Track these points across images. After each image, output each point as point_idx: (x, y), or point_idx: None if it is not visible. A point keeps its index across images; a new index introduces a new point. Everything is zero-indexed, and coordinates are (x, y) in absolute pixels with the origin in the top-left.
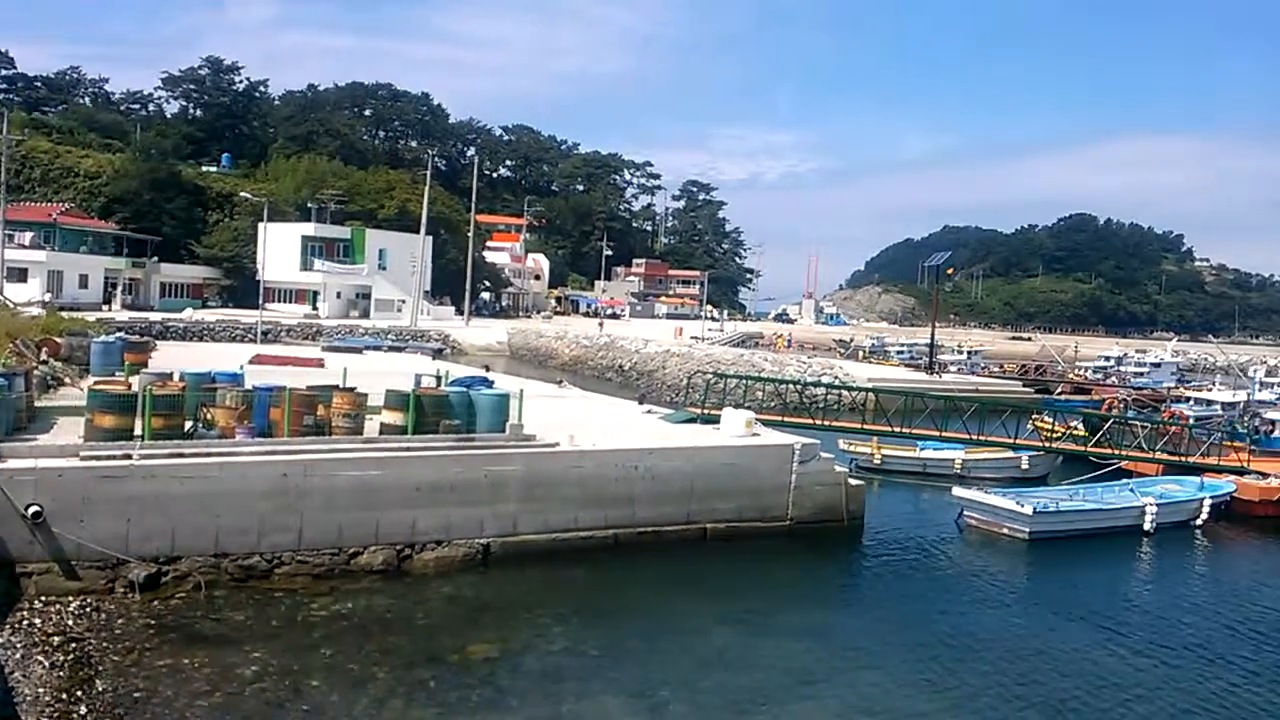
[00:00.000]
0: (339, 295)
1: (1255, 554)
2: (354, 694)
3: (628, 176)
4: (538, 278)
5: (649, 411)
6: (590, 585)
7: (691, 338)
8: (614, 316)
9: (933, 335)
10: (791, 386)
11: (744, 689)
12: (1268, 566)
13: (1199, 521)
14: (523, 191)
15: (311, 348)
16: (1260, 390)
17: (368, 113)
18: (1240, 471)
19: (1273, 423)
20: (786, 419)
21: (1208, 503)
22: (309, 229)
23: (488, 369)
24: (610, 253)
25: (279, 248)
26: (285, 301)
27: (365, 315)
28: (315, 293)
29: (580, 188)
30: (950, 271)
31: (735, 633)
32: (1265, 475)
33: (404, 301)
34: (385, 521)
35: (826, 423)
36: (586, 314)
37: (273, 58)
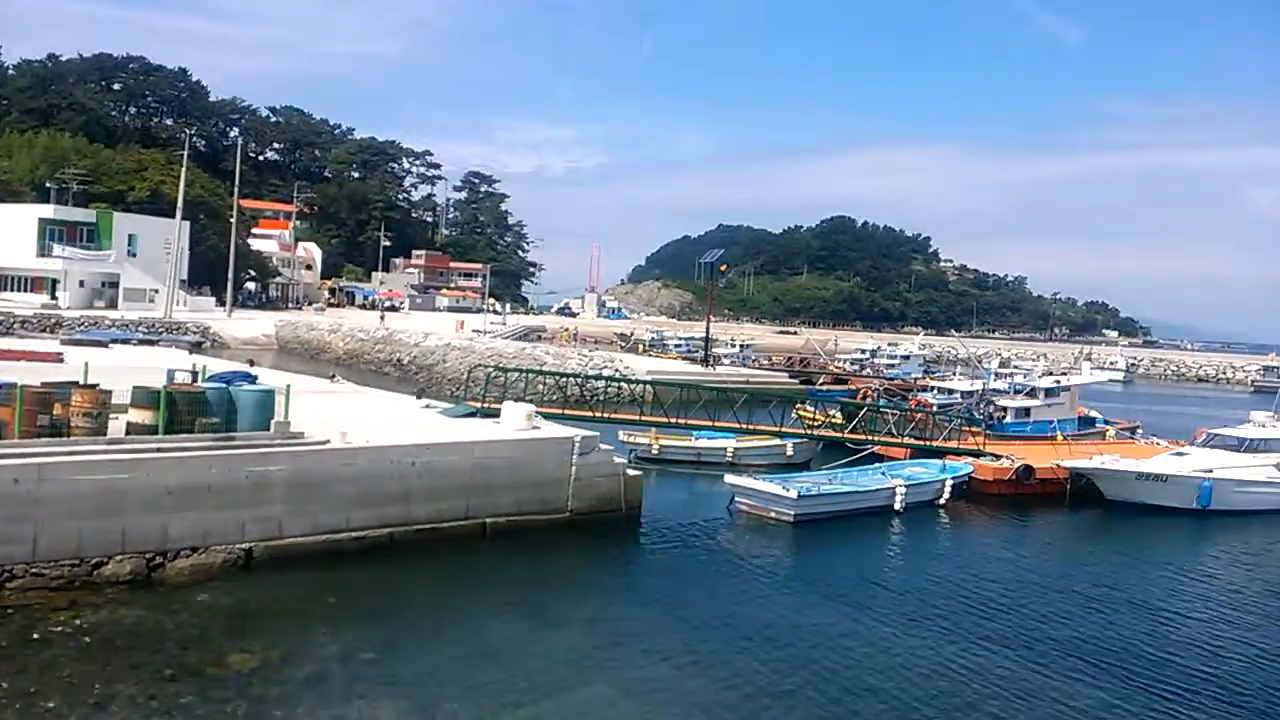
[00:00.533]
0: (82, 284)
1: (988, 528)
2: (96, 714)
3: (406, 165)
4: (309, 267)
5: (428, 406)
6: (363, 587)
7: (473, 331)
8: (393, 309)
9: (708, 329)
10: (573, 380)
11: (520, 681)
12: (997, 540)
13: (942, 500)
14: (293, 176)
15: (49, 341)
16: (994, 380)
17: (117, 87)
18: (977, 454)
19: (1004, 409)
20: (567, 412)
21: (949, 483)
22: (47, 211)
23: (252, 363)
24: (388, 243)
25: (12, 231)
26: (19, 290)
27: (113, 305)
28: (54, 281)
29: (356, 175)
30: (723, 268)
31: (514, 626)
32: (998, 457)
33: (157, 291)
34: (133, 528)
35: (607, 415)
36: (363, 306)
37: (4, 22)
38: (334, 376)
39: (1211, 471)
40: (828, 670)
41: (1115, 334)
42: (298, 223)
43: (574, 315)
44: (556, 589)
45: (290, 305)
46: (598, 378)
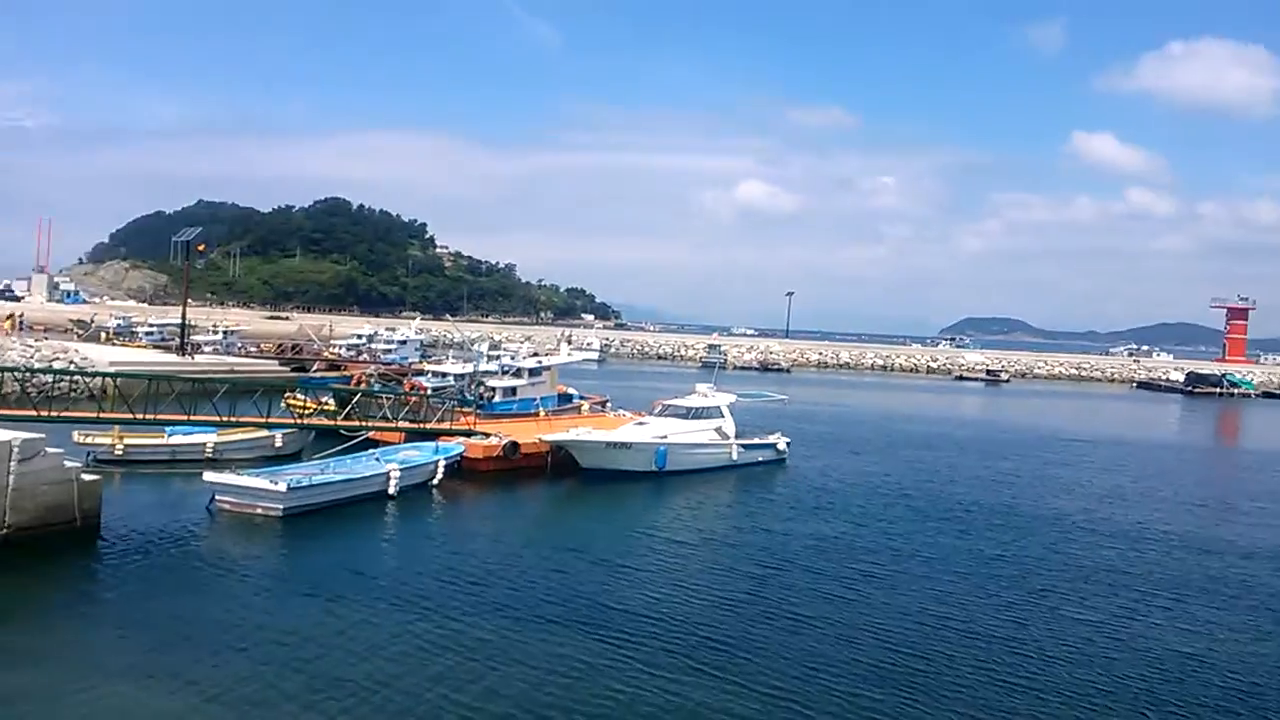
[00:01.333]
0: None
1: (478, 505)
2: None
3: None
4: None
5: None
6: None
7: None
8: None
9: (184, 314)
10: (11, 375)
11: None
12: (484, 516)
13: (436, 481)
14: None
15: None
16: (485, 362)
17: None
18: (468, 434)
19: (494, 389)
20: (3, 412)
21: (442, 464)
22: None
23: None
24: None
25: None
26: None
27: None
28: None
29: None
30: (202, 248)
31: None
32: (487, 435)
33: None
34: None
35: (57, 414)
36: None
37: None
38: None
39: (666, 438)
40: (314, 666)
41: (592, 317)
42: None
43: (17, 299)
44: None
45: None
46: (46, 371)
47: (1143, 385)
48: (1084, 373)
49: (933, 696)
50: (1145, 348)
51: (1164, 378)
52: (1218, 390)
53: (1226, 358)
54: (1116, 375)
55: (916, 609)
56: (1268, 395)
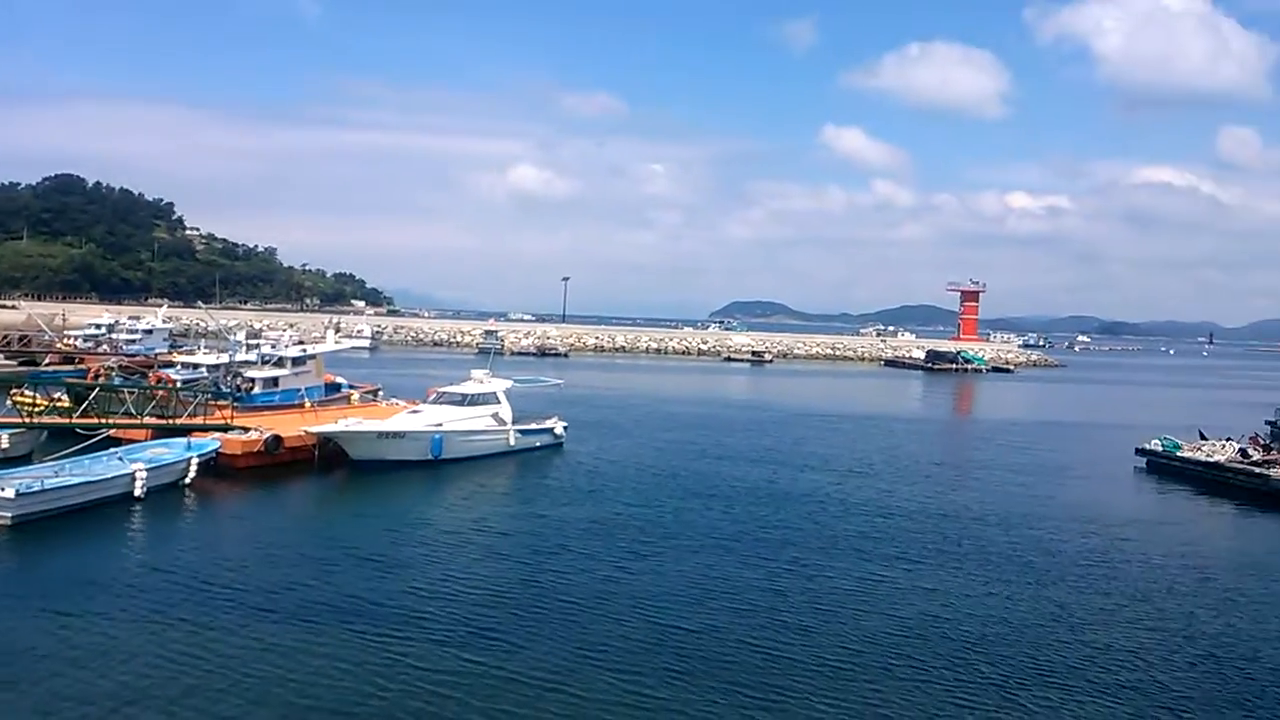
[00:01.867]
0: None
1: (235, 504)
2: None
3: None
4: None
5: None
6: None
7: None
8: None
9: None
10: None
11: None
12: (242, 516)
13: (188, 480)
14: None
15: None
16: (244, 352)
17: None
18: (224, 428)
19: (253, 380)
20: None
21: (195, 461)
22: None
23: None
24: None
25: None
26: None
27: None
28: None
29: None
30: None
31: None
32: (246, 429)
33: None
34: None
35: None
36: None
37: None
38: None
39: (441, 425)
40: (40, 688)
41: (363, 304)
42: None
43: None
44: None
45: None
46: None
47: (890, 363)
48: (838, 352)
49: (698, 675)
50: (891, 328)
51: (907, 356)
52: (954, 366)
53: (961, 336)
54: (867, 354)
55: (684, 586)
56: (996, 370)
